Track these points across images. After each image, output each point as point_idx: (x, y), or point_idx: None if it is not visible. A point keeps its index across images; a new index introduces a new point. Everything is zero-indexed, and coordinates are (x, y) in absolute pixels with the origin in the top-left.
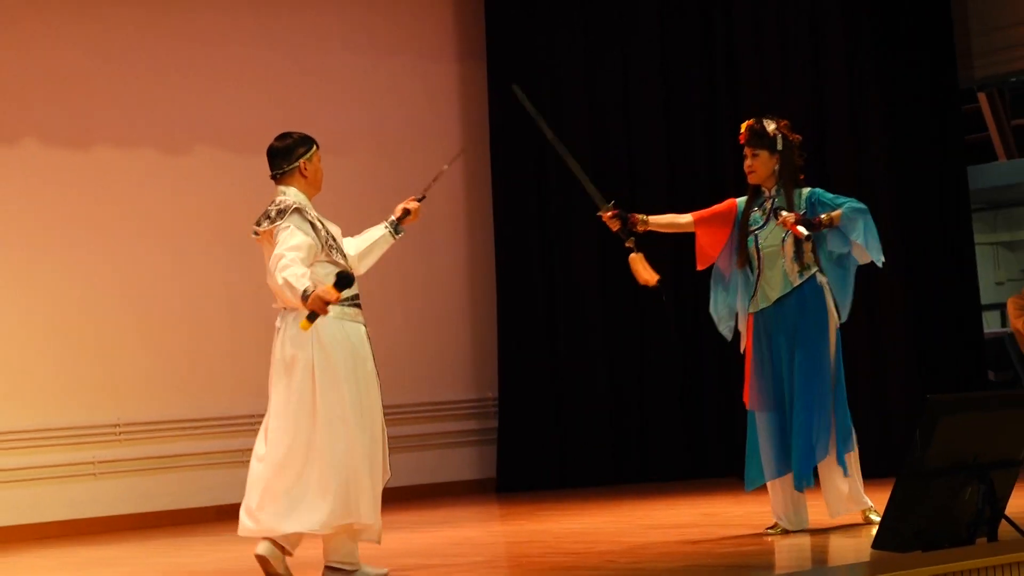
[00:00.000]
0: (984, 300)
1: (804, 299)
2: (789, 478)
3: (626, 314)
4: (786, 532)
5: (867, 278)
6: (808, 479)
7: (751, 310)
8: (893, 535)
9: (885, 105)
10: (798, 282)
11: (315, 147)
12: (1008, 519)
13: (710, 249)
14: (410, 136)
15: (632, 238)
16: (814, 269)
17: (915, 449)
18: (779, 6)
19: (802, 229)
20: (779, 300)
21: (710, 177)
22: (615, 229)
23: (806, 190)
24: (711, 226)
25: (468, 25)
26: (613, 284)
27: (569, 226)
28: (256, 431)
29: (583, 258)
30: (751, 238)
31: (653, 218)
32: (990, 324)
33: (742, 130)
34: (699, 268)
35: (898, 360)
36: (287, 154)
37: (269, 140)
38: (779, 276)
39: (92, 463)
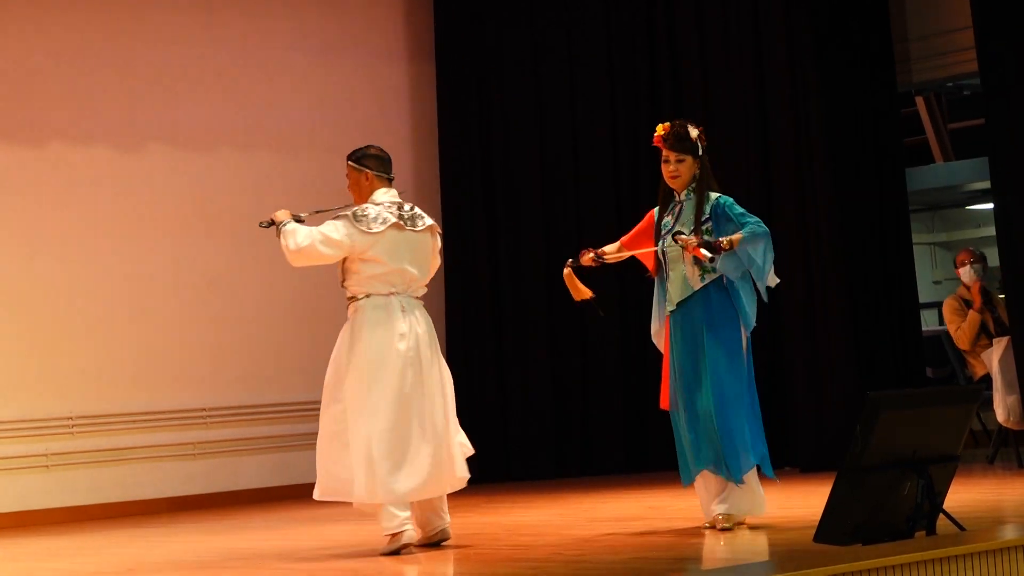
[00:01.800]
0: (922, 298)
1: (709, 300)
2: (708, 475)
3: (569, 311)
4: (737, 525)
5: (808, 276)
6: (738, 472)
7: (666, 312)
8: (833, 529)
9: (825, 108)
10: (699, 285)
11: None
12: (946, 513)
13: (647, 263)
14: (360, 136)
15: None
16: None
17: (855, 444)
18: (722, 8)
19: (705, 252)
20: (682, 303)
21: (653, 175)
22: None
23: (715, 195)
24: (638, 244)
25: (418, 26)
26: (558, 281)
27: (517, 225)
28: (207, 424)
29: (529, 255)
30: (660, 243)
31: (608, 255)
32: (928, 322)
33: (660, 132)
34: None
35: (838, 357)
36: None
37: (221, 139)
38: (680, 279)
39: (45, 455)
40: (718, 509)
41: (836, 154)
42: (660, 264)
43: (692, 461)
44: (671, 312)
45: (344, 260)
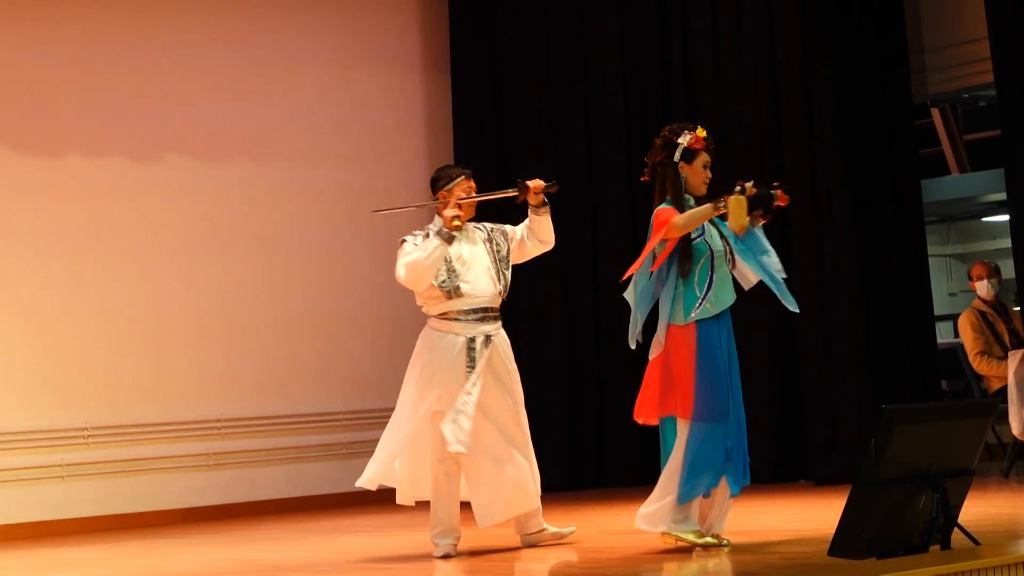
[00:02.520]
0: (937, 311)
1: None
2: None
3: (584, 319)
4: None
5: (823, 288)
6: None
7: (699, 317)
8: (848, 543)
9: (840, 119)
10: (749, 285)
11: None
12: (961, 527)
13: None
14: (375, 146)
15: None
16: None
17: (870, 458)
18: (736, 18)
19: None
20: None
21: None
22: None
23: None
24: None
25: (432, 36)
26: (573, 291)
27: None
28: (222, 435)
29: (542, 267)
30: (702, 244)
31: None
32: (943, 335)
33: (703, 134)
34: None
35: (853, 369)
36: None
37: (237, 150)
38: (727, 280)
39: (60, 466)
40: (723, 526)
41: (851, 165)
42: (701, 261)
43: (738, 471)
44: (713, 317)
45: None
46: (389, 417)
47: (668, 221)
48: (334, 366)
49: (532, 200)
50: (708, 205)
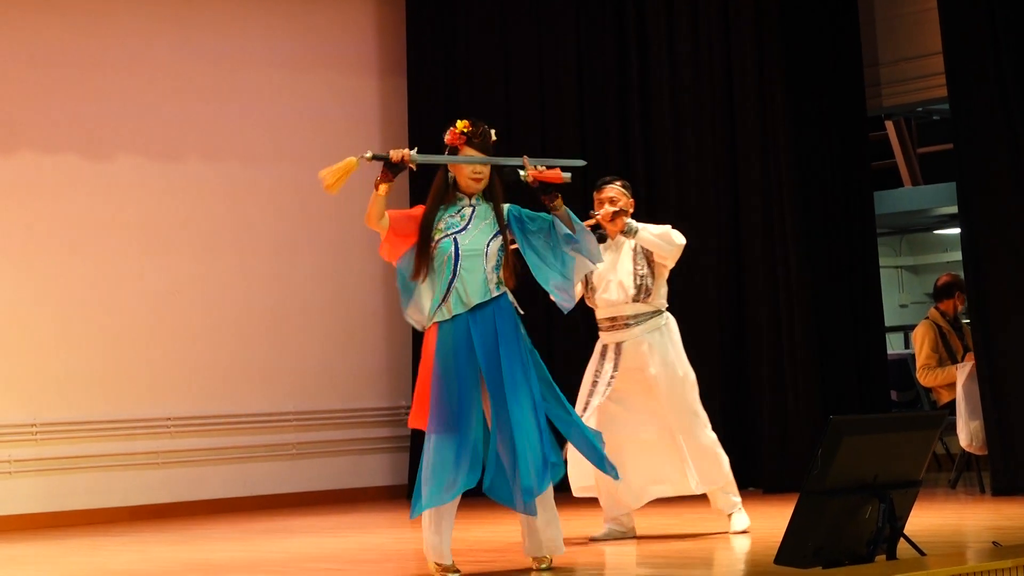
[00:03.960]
0: (888, 322)
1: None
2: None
3: (542, 324)
4: None
5: (774, 297)
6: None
7: (437, 319)
8: (794, 551)
9: (794, 130)
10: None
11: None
12: (907, 537)
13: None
14: (329, 148)
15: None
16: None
17: (817, 467)
18: (693, 27)
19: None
20: (479, 306)
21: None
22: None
23: (507, 205)
24: (403, 225)
25: (389, 41)
26: (534, 290)
27: None
28: (171, 433)
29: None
30: (447, 242)
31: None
32: (894, 346)
33: (463, 128)
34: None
35: (803, 379)
36: None
37: (190, 149)
38: (480, 281)
39: (7, 461)
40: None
41: (804, 176)
42: (444, 259)
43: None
44: (451, 320)
45: (662, 268)
46: (338, 417)
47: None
48: (284, 366)
49: (611, 228)
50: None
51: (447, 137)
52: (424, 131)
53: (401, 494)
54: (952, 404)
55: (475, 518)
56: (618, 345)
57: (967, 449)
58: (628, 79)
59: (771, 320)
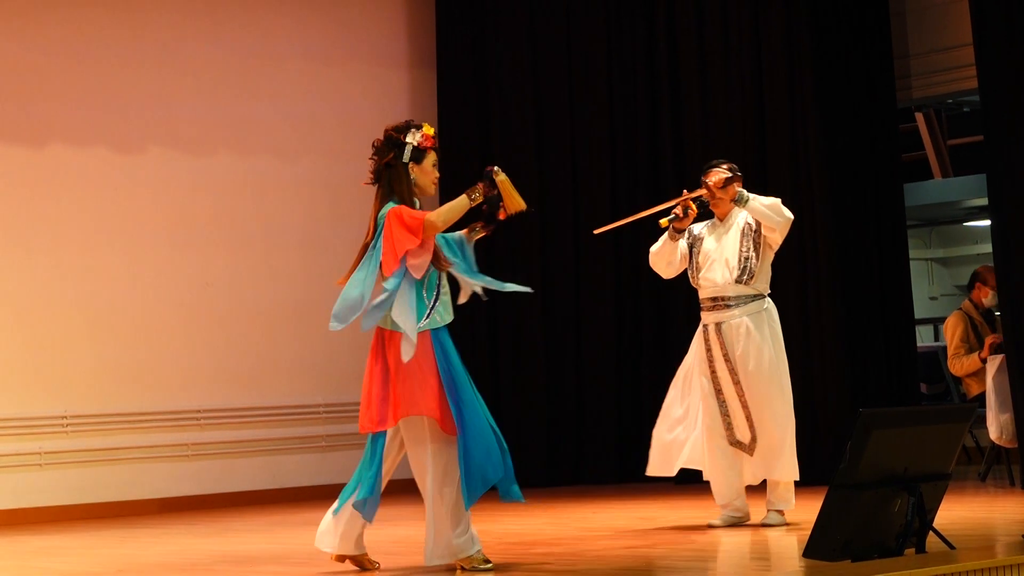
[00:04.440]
0: (918, 314)
1: None
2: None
3: (565, 319)
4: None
5: (803, 290)
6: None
7: (430, 327)
8: (823, 544)
9: (824, 123)
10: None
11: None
12: (936, 531)
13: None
14: (359, 142)
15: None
16: None
17: (847, 461)
18: (723, 22)
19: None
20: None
21: (651, 181)
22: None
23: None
24: None
25: (419, 32)
26: (554, 290)
27: (514, 232)
28: (201, 426)
29: (525, 264)
30: None
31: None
32: (923, 338)
33: (432, 133)
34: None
35: (832, 372)
36: None
37: (220, 142)
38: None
39: (39, 454)
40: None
41: (834, 169)
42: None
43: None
44: (442, 327)
45: (768, 250)
46: None
47: (420, 219)
48: (313, 359)
49: (722, 196)
50: (463, 197)
51: (420, 140)
52: (454, 124)
53: None
54: (982, 397)
55: (500, 510)
56: (717, 325)
57: (997, 442)
58: (657, 71)
59: (801, 313)
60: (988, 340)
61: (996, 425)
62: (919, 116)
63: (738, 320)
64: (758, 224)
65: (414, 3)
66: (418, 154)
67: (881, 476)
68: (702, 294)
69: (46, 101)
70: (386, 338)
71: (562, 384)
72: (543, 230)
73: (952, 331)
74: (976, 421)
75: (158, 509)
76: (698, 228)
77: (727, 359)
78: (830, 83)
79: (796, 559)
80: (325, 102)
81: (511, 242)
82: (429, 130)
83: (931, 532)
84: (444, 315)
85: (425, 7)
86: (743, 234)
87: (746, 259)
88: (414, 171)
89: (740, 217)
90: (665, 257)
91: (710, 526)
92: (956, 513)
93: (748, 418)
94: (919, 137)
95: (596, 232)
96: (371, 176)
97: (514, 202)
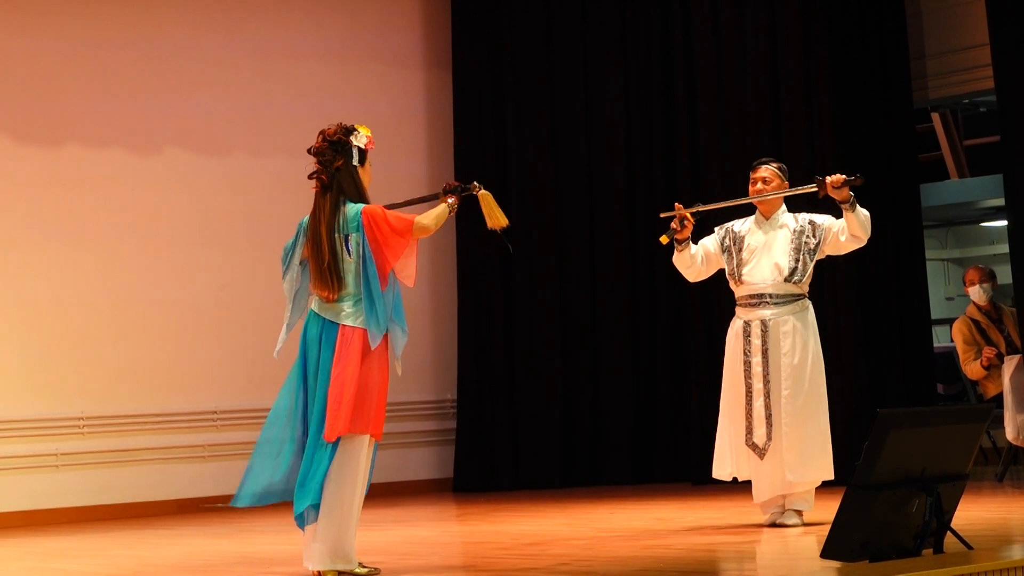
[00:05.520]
0: (934, 315)
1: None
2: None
3: (582, 321)
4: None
5: (820, 291)
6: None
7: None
8: (841, 545)
9: (840, 124)
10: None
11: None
12: (954, 531)
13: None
14: (377, 144)
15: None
16: None
17: (864, 461)
18: (739, 22)
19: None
20: None
21: (667, 182)
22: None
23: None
24: None
25: (435, 34)
26: (570, 291)
27: (530, 234)
28: (217, 427)
29: (542, 266)
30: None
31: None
32: (940, 339)
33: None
34: None
35: (849, 372)
36: None
37: (236, 143)
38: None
39: (55, 455)
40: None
41: (851, 168)
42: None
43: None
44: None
45: (822, 254)
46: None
47: (409, 221)
48: None
49: (834, 195)
50: (443, 205)
51: (365, 143)
52: (469, 125)
53: (447, 487)
54: (999, 397)
55: (517, 511)
56: (762, 323)
57: (1014, 442)
58: (673, 69)
59: (817, 313)
60: (985, 353)
61: (1013, 425)
62: (935, 116)
63: (784, 318)
64: (811, 226)
65: (430, 4)
66: (363, 156)
67: (899, 477)
68: (743, 291)
69: (63, 101)
70: (362, 340)
71: (579, 385)
72: (559, 231)
73: (957, 337)
74: (993, 422)
75: (174, 510)
76: (739, 226)
77: (766, 356)
78: (846, 84)
79: (814, 560)
80: (340, 102)
81: (531, 245)
82: (367, 131)
83: (949, 532)
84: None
85: (441, 8)
86: (795, 234)
87: (798, 260)
88: (361, 173)
89: (786, 218)
90: (681, 264)
91: (772, 525)
92: (973, 513)
93: (768, 420)
94: (935, 138)
95: (663, 216)
96: (320, 181)
97: (495, 219)
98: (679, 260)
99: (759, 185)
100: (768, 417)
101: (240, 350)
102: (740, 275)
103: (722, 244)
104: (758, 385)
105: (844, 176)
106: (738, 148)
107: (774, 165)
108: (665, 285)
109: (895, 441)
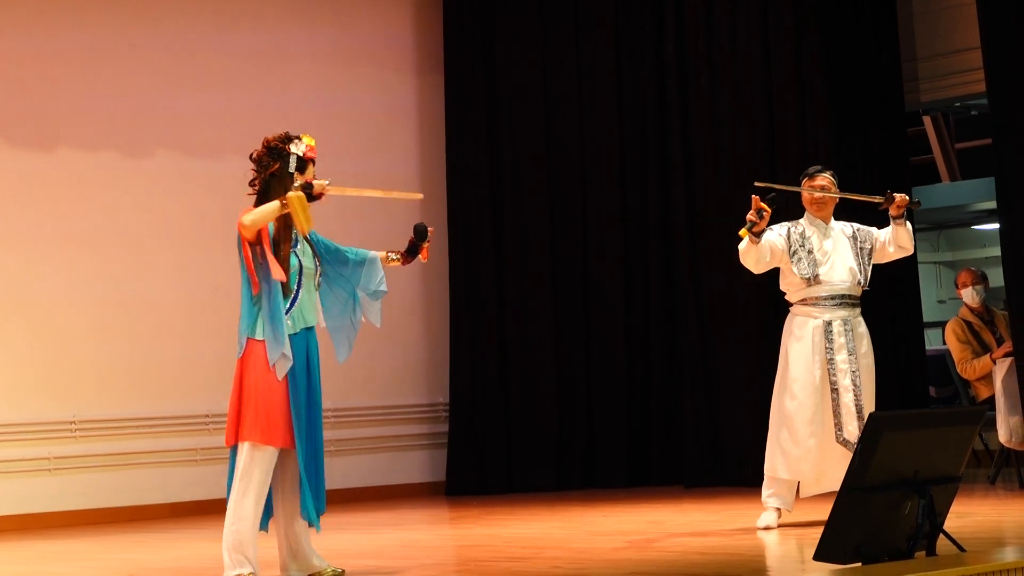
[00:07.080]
0: (926, 318)
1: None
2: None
3: (574, 324)
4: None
5: None
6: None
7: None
8: (833, 547)
9: (833, 126)
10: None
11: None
12: (946, 533)
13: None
14: (367, 145)
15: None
16: None
17: (857, 463)
18: (732, 25)
19: None
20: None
21: (661, 186)
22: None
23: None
24: None
25: (427, 38)
26: (563, 294)
27: (522, 237)
28: (209, 430)
29: (535, 268)
30: (293, 257)
31: None
32: (932, 341)
33: (313, 144)
34: None
35: None
36: None
37: (230, 147)
38: (312, 299)
39: (48, 459)
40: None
41: (842, 172)
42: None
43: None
44: (291, 335)
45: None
46: (376, 414)
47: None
48: (323, 363)
49: (893, 212)
50: (276, 202)
51: (304, 151)
52: (461, 129)
53: (440, 491)
54: (991, 400)
55: (510, 514)
56: (844, 321)
57: (1006, 445)
58: (666, 73)
59: None
60: (1001, 349)
61: (1005, 428)
62: (927, 119)
63: (859, 319)
64: (861, 234)
65: (422, 7)
66: (303, 164)
67: (891, 479)
68: (822, 291)
69: (55, 105)
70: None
71: (572, 388)
72: (552, 234)
73: (951, 339)
74: (985, 424)
75: (168, 514)
76: (797, 228)
77: (852, 353)
78: (838, 87)
79: (807, 562)
80: (332, 105)
81: (523, 248)
82: (311, 141)
83: (941, 535)
84: (295, 323)
85: (433, 11)
86: (851, 240)
87: (862, 264)
88: (299, 181)
89: (838, 225)
90: (753, 257)
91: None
92: (966, 516)
93: (859, 415)
94: (927, 140)
95: (758, 184)
96: (255, 188)
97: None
98: (755, 252)
99: (819, 193)
100: (859, 411)
101: (234, 353)
102: (818, 275)
103: (789, 243)
104: (845, 381)
105: (908, 199)
106: (731, 150)
107: (829, 173)
108: (659, 289)
109: (888, 444)
